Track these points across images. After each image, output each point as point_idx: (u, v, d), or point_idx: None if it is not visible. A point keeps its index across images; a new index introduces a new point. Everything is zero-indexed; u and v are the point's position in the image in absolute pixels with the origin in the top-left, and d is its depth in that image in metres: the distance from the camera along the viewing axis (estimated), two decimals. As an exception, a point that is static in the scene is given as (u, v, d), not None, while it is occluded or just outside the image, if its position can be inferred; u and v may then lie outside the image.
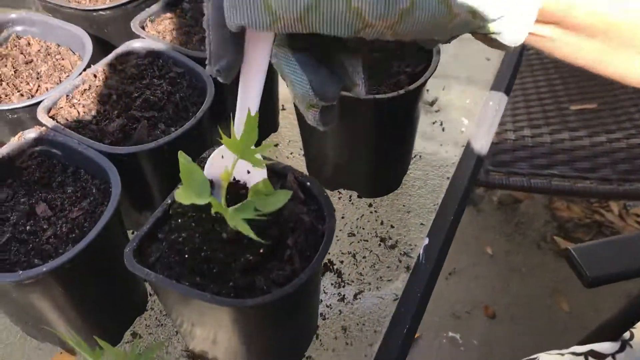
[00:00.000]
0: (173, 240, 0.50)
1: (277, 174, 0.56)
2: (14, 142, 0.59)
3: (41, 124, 0.61)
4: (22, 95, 0.67)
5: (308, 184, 0.55)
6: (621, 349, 0.95)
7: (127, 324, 0.64)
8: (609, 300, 1.77)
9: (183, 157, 0.48)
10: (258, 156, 0.46)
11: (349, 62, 0.47)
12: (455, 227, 0.73)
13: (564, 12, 0.46)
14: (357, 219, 0.74)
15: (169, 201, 0.53)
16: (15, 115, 0.64)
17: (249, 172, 0.51)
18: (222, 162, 0.50)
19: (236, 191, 0.51)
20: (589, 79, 1.62)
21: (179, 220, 0.51)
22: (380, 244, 0.70)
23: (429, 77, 0.65)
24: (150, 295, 0.67)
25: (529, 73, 1.66)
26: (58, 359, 0.63)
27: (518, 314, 1.75)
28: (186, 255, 0.49)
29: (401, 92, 0.63)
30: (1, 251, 0.52)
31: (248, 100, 0.46)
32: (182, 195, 0.46)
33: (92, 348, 0.50)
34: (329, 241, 0.51)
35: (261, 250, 0.49)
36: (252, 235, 0.43)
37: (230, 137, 0.45)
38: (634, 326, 0.98)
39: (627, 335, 0.97)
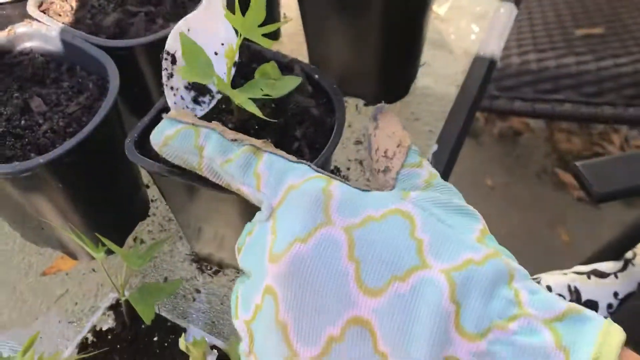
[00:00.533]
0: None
1: (283, 67, 0.53)
2: (4, 36, 0.56)
3: (32, 19, 0.57)
4: None
5: (316, 76, 0.52)
6: (624, 267, 0.95)
7: (128, 229, 0.62)
8: (609, 230, 1.78)
9: (184, 37, 0.45)
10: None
11: None
12: (465, 135, 0.71)
13: None
14: (363, 126, 0.71)
15: (171, 92, 0.51)
16: (4, 12, 0.60)
17: (223, 44, 0.48)
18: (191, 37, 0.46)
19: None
20: (595, 4, 1.58)
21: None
22: (387, 152, 0.68)
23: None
24: (152, 201, 0.66)
25: (534, -3, 1.61)
26: (59, 263, 0.61)
27: (517, 244, 1.76)
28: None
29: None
30: (-1, 145, 0.50)
31: None
32: (187, 73, 0.43)
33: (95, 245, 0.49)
34: (339, 132, 0.49)
35: (269, 140, 0.47)
36: (258, 112, 0.41)
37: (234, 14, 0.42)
38: (637, 246, 0.98)
39: (629, 254, 0.96)
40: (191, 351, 0.45)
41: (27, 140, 0.50)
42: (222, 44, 0.47)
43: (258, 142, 0.37)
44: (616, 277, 0.94)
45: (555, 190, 1.89)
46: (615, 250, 1.06)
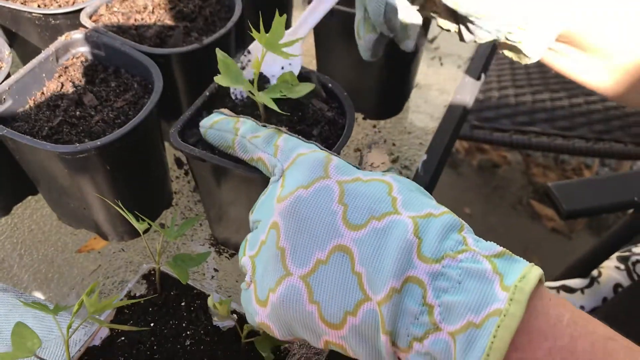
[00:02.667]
0: None
1: (301, 77, 0.63)
2: (62, 40, 0.65)
3: (85, 27, 0.67)
4: (60, 5, 0.72)
5: (330, 85, 0.62)
6: (590, 284, 1.04)
7: (156, 215, 0.70)
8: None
9: (220, 53, 0.54)
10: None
11: (412, 19, 0.57)
12: (451, 147, 0.81)
13: (580, 35, 0.55)
14: (362, 137, 0.81)
15: (207, 93, 0.60)
16: (57, 21, 0.69)
17: (283, 68, 0.59)
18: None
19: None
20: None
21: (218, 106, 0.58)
22: (383, 160, 0.78)
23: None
24: (175, 193, 0.74)
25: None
26: (92, 243, 0.69)
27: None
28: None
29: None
30: (55, 132, 0.58)
31: (305, 23, 0.59)
32: (221, 80, 0.53)
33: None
34: (349, 131, 0.58)
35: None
36: (275, 107, 0.51)
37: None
38: (601, 265, 1.07)
39: (595, 273, 1.06)
40: (218, 308, 0.53)
41: (81, 128, 0.59)
42: (290, 64, 0.60)
43: (282, 128, 0.49)
44: (582, 292, 1.03)
45: (530, 221, 2.00)
46: (582, 269, 1.16)
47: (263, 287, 0.41)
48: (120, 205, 0.56)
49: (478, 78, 0.89)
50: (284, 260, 0.39)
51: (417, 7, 0.59)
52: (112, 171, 0.59)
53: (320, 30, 0.78)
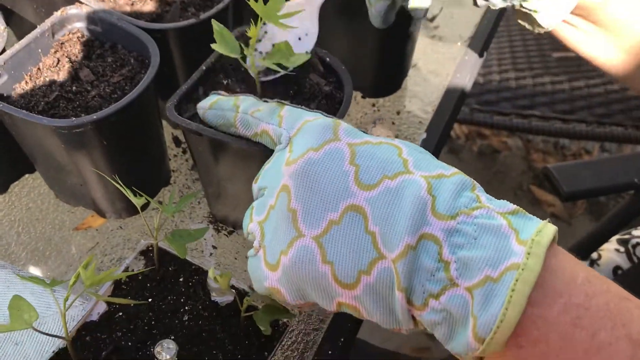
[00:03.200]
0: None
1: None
2: (57, 16, 0.64)
3: (80, 2, 0.66)
4: (55, -18, 0.72)
5: (327, 59, 0.61)
6: (589, 267, 1.04)
7: (154, 192, 0.70)
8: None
9: (216, 24, 0.54)
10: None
11: None
12: (451, 125, 0.81)
13: (596, 8, 0.55)
14: (361, 116, 0.80)
15: (204, 67, 0.59)
16: (53, -2, 0.69)
17: (300, 39, 0.58)
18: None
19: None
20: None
21: (213, 84, 0.57)
22: (382, 138, 0.77)
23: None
24: (173, 171, 0.73)
25: (515, 20, 1.73)
26: (89, 221, 0.69)
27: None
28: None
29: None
30: (52, 107, 0.58)
31: None
32: (218, 47, 0.53)
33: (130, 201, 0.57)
34: (347, 104, 0.58)
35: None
36: (277, 68, 0.51)
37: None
38: (601, 248, 1.07)
39: (595, 255, 1.06)
40: (218, 281, 0.53)
41: (77, 103, 0.58)
42: (306, 34, 0.59)
43: (283, 102, 0.50)
44: None
45: (530, 206, 1.99)
46: (582, 252, 1.16)
47: (274, 250, 0.40)
48: (118, 180, 0.56)
49: (481, 55, 0.88)
50: (295, 221, 0.39)
51: None
52: (109, 147, 0.59)
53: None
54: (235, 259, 0.66)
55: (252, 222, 0.43)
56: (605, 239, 1.12)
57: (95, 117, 0.55)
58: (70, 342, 0.50)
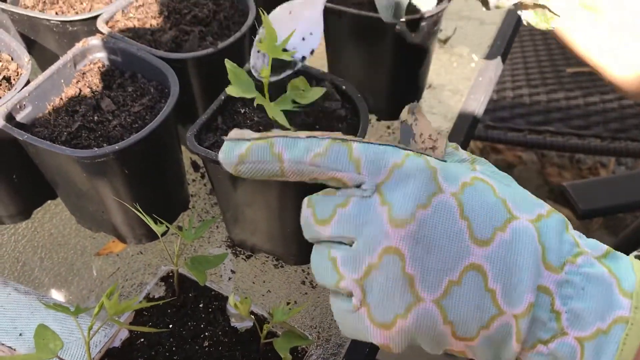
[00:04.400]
0: (226, 129, 0.58)
1: (315, 78, 0.63)
2: (79, 46, 0.66)
3: (102, 34, 0.67)
4: (77, 12, 0.74)
5: (344, 87, 0.62)
6: None
7: (173, 218, 0.71)
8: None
9: (230, 64, 0.56)
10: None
11: None
12: (465, 147, 0.81)
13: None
14: (377, 139, 0.81)
15: (223, 97, 0.61)
16: (75, 28, 0.70)
17: (304, 39, 0.58)
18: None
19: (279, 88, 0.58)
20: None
21: (232, 113, 0.59)
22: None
23: (442, 11, 0.73)
24: (192, 196, 0.75)
25: (528, 37, 1.73)
26: (110, 246, 0.70)
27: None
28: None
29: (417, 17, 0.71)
30: (74, 137, 0.60)
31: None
32: (232, 90, 0.54)
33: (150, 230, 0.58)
34: (364, 131, 0.59)
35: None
36: (286, 124, 0.52)
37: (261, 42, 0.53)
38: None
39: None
40: (239, 308, 0.53)
41: (99, 133, 0.60)
42: (311, 34, 0.57)
43: (336, 134, 0.41)
44: None
45: (546, 220, 1.99)
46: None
47: (386, 311, 0.39)
48: (139, 208, 0.57)
49: (495, 75, 0.89)
50: (412, 286, 0.38)
51: None
52: (130, 175, 0.60)
53: (330, 32, 0.79)
54: (253, 283, 0.67)
55: (344, 279, 0.40)
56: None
57: (117, 147, 0.56)
58: (94, 369, 0.51)
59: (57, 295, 0.66)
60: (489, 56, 0.94)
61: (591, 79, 1.59)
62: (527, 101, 1.54)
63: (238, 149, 0.41)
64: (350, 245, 0.40)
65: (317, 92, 0.58)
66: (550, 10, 0.55)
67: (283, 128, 0.56)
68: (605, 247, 0.39)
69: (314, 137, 0.40)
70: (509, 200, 0.39)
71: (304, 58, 0.57)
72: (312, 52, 0.57)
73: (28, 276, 0.67)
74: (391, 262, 0.38)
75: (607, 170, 2.12)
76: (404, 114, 0.46)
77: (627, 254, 1.10)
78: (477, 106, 0.85)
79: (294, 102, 0.58)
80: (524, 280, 0.37)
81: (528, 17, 0.58)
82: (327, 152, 0.40)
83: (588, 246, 0.39)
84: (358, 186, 0.40)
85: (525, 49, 1.71)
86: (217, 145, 0.58)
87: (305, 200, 0.42)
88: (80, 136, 0.60)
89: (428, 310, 0.38)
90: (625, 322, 0.36)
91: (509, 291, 0.37)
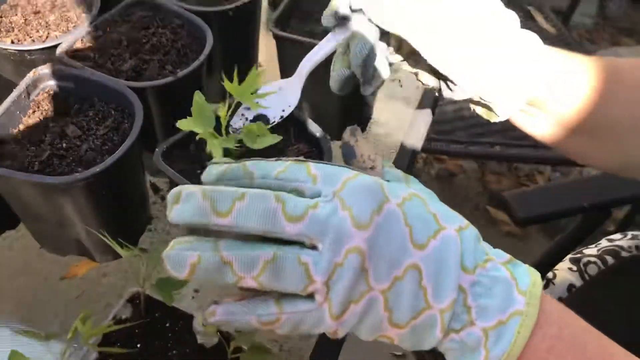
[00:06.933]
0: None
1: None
2: (31, 76, 0.67)
3: (59, 63, 0.69)
4: (33, 41, 0.75)
5: (309, 128, 0.67)
6: (546, 286, 1.10)
7: (138, 236, 0.73)
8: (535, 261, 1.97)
9: (198, 95, 0.58)
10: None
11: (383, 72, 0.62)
12: (413, 162, 0.87)
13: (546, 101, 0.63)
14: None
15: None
16: (33, 57, 0.72)
17: (284, 110, 0.64)
18: None
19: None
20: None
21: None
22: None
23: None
24: (153, 218, 0.77)
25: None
26: (74, 270, 0.71)
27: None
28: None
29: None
30: (46, 166, 0.61)
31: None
32: (185, 124, 0.57)
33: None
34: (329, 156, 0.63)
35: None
36: (218, 155, 0.56)
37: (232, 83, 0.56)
38: (556, 267, 1.14)
39: (550, 275, 1.12)
40: (206, 327, 0.56)
41: (71, 159, 0.61)
42: (289, 106, 0.64)
43: (297, 158, 0.47)
44: None
45: (487, 226, 2.08)
46: (539, 271, 1.22)
47: (344, 302, 0.44)
48: (107, 230, 0.59)
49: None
50: (367, 279, 0.44)
51: (401, 59, 0.63)
52: (107, 196, 0.62)
53: (286, 60, 0.82)
54: (216, 302, 0.70)
55: (314, 283, 0.44)
56: (559, 258, 1.19)
57: (98, 169, 0.58)
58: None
59: (23, 321, 0.67)
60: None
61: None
62: (467, 114, 1.61)
63: (215, 171, 0.48)
64: (309, 247, 0.44)
65: (269, 139, 0.60)
66: (493, 112, 0.62)
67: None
68: (508, 255, 0.47)
69: (280, 159, 0.47)
70: (438, 214, 0.46)
71: (278, 117, 0.64)
72: (281, 118, 0.63)
73: (-10, 303, 0.68)
74: (354, 260, 0.43)
75: (543, 177, 2.23)
76: (347, 135, 0.51)
77: (563, 257, 1.16)
78: (416, 140, 0.92)
79: (240, 145, 0.60)
80: (450, 280, 0.44)
81: (476, 109, 0.64)
82: (289, 169, 0.46)
83: (495, 255, 0.47)
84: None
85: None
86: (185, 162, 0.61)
87: (272, 195, 0.44)
88: (52, 164, 0.61)
89: (375, 298, 0.44)
90: (520, 315, 0.43)
91: (437, 289, 0.44)
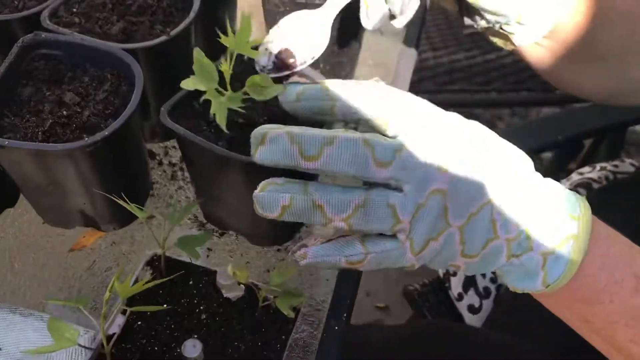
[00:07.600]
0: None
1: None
2: (18, 46, 0.65)
3: (44, 30, 0.67)
4: (10, 11, 0.72)
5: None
6: None
7: (143, 202, 0.72)
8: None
9: (198, 52, 0.56)
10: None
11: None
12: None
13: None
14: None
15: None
16: (14, 27, 0.69)
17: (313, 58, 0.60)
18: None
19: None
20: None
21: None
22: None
23: None
24: (153, 183, 0.76)
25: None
26: (83, 241, 0.71)
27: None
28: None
29: None
30: (50, 135, 0.59)
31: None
32: (189, 83, 0.56)
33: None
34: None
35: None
36: (223, 122, 0.55)
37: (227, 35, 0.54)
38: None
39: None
40: (238, 275, 0.57)
41: (74, 126, 0.60)
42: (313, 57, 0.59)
43: None
44: None
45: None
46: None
47: (424, 239, 0.47)
48: (123, 195, 0.58)
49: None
50: (446, 216, 0.47)
51: None
52: (115, 160, 0.61)
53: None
54: (231, 257, 0.70)
55: (401, 223, 0.46)
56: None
57: (107, 132, 0.57)
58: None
59: (36, 296, 0.66)
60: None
61: (485, 38, 1.72)
62: (432, 64, 1.64)
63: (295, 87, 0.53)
64: (395, 189, 0.46)
65: (274, 89, 0.56)
66: (510, 41, 0.63)
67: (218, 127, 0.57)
68: (562, 186, 0.52)
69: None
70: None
71: (303, 63, 0.58)
72: (313, 59, 0.59)
73: (2, 281, 0.67)
74: (436, 200, 0.46)
75: (503, 122, 2.29)
76: None
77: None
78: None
79: (247, 99, 0.58)
80: (517, 212, 0.48)
81: (494, 39, 0.66)
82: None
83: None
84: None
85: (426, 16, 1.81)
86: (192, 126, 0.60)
87: (360, 139, 0.45)
88: (55, 133, 0.59)
89: (452, 234, 0.47)
90: (574, 238, 0.48)
91: (505, 222, 0.47)
